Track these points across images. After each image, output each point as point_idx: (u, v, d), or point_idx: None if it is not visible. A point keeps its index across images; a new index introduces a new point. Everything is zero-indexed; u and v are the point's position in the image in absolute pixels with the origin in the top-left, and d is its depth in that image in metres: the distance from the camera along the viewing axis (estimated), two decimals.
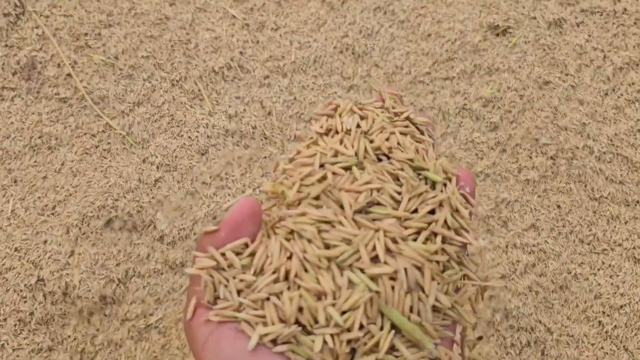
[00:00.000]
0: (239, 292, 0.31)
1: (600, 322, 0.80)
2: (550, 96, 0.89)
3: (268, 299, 0.30)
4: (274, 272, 0.31)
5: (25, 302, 0.79)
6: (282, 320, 0.30)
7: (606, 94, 0.89)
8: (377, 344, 0.30)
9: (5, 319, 0.78)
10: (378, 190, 0.33)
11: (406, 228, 0.32)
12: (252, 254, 0.32)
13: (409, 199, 0.33)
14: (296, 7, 0.94)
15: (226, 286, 0.31)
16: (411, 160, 0.35)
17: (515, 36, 0.92)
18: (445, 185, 0.35)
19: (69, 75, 0.87)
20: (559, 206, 0.85)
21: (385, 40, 0.92)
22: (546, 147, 0.86)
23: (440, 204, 0.33)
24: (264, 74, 0.90)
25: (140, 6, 0.91)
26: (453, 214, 0.33)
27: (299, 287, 0.30)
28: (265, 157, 0.86)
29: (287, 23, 0.93)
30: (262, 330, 0.30)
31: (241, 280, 0.31)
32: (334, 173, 0.34)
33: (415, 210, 0.33)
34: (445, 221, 0.33)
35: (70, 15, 0.89)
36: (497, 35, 0.93)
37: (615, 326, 0.79)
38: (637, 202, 0.85)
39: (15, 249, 0.81)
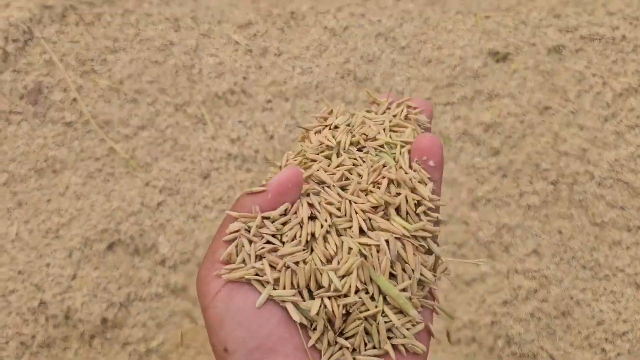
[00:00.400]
0: (260, 256, 0.36)
1: (603, 348, 0.82)
2: (551, 122, 0.92)
3: (286, 265, 0.35)
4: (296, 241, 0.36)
5: (28, 325, 0.82)
6: (293, 286, 0.35)
7: (606, 119, 0.93)
8: (368, 310, 0.35)
9: (7, 342, 0.81)
10: (350, 171, 0.39)
11: (369, 201, 0.37)
12: (284, 223, 0.37)
13: (368, 173, 0.38)
14: (299, 33, 0.99)
15: (249, 249, 0.35)
16: (381, 145, 0.40)
17: (515, 62, 0.96)
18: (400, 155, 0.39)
19: (74, 99, 0.91)
20: (560, 231, 0.87)
21: (386, 65, 0.96)
22: (547, 173, 0.89)
23: (398, 184, 0.37)
24: (266, 98, 0.94)
25: (145, 32, 0.96)
26: (412, 194, 0.37)
27: (312, 250, 0.35)
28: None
29: (289, 49, 0.97)
30: (273, 292, 0.34)
31: (268, 243, 0.36)
32: (313, 160, 0.40)
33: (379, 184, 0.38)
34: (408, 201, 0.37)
35: (77, 41, 0.94)
36: (497, 61, 0.96)
37: (618, 353, 0.81)
38: (639, 227, 0.87)
39: (19, 272, 0.84)
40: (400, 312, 0.35)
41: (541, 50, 0.97)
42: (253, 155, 0.90)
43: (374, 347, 0.35)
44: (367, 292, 0.35)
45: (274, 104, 0.93)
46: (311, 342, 0.34)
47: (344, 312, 0.34)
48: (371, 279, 0.35)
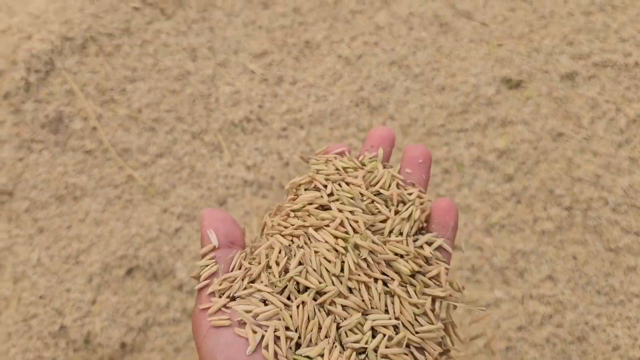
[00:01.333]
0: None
1: None
2: (564, 148, 1.00)
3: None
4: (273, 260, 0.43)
5: (48, 349, 0.89)
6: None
7: (620, 145, 1.00)
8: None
9: None
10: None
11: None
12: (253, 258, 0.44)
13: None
14: (313, 62, 1.08)
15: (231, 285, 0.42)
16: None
17: (528, 89, 1.04)
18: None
19: (94, 128, 1.00)
20: (575, 257, 0.94)
21: (400, 93, 1.04)
22: (561, 198, 0.97)
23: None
24: (282, 126, 1.02)
25: (163, 62, 1.05)
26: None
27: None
28: None
29: (304, 77, 1.06)
30: (247, 309, 0.40)
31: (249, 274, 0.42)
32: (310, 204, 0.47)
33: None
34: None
35: (96, 72, 1.03)
36: (511, 88, 1.04)
37: None
38: None
39: (40, 297, 0.92)
40: None
41: (554, 77, 1.05)
42: (269, 182, 0.98)
43: None
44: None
45: (289, 132, 1.02)
46: None
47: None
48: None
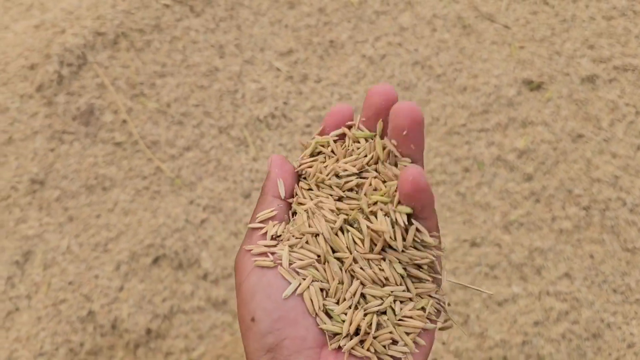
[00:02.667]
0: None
1: None
2: (584, 149, 1.05)
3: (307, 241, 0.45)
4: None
5: (77, 333, 0.95)
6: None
7: (639, 148, 1.05)
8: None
9: (57, 349, 0.94)
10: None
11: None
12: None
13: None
14: (337, 61, 1.13)
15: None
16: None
17: (549, 91, 1.09)
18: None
19: (124, 121, 1.07)
20: (592, 256, 0.99)
21: (422, 92, 1.10)
22: (579, 198, 1.01)
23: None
24: (305, 122, 1.08)
25: (192, 58, 1.11)
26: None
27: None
28: None
29: (328, 76, 1.12)
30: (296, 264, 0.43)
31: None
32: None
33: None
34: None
35: (127, 66, 1.10)
36: (532, 90, 1.10)
37: None
38: None
39: (69, 283, 0.98)
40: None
41: (575, 80, 1.10)
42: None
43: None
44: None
45: (312, 128, 1.07)
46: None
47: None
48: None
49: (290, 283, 0.42)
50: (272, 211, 0.45)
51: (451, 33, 1.14)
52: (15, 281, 0.98)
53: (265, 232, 0.45)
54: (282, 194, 0.45)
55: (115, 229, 1.01)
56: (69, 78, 1.08)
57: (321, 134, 0.48)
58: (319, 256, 0.44)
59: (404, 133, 0.41)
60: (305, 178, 0.48)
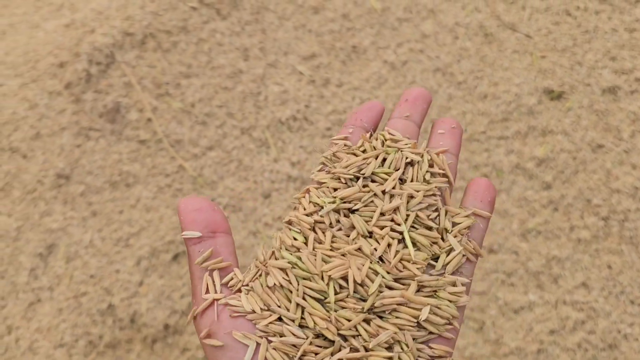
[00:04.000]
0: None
1: None
2: (603, 159, 1.03)
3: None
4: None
5: (96, 325, 0.95)
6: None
7: None
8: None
9: (77, 340, 0.94)
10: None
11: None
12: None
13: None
14: (359, 66, 1.13)
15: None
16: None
17: (569, 101, 1.08)
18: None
19: (149, 119, 1.07)
20: (610, 266, 0.97)
21: (443, 99, 1.09)
22: (598, 208, 1.00)
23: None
24: (326, 125, 1.08)
25: (217, 60, 1.12)
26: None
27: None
28: None
29: (350, 80, 1.12)
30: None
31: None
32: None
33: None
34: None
35: (154, 66, 1.11)
36: (552, 99, 1.09)
37: None
38: None
39: (91, 276, 0.98)
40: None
41: (596, 91, 1.08)
42: (311, 178, 1.04)
43: None
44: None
45: (333, 132, 1.07)
46: None
47: None
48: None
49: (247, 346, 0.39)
50: (204, 253, 0.42)
51: (473, 41, 1.13)
52: (39, 273, 0.99)
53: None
54: (196, 234, 0.43)
55: (137, 225, 1.01)
56: (97, 76, 1.09)
57: (346, 125, 0.49)
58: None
59: (453, 126, 0.49)
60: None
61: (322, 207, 0.44)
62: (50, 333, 0.95)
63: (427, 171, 0.45)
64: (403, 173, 0.45)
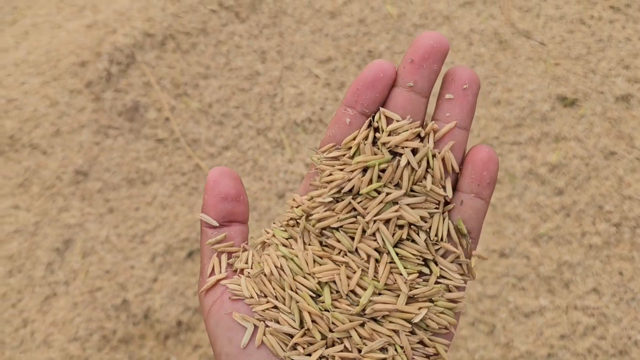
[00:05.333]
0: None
1: None
2: (616, 166, 1.02)
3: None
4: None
5: (110, 320, 0.95)
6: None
7: None
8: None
9: (91, 334, 0.94)
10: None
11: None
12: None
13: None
14: None
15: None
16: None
17: (583, 108, 1.07)
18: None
19: (167, 119, 1.08)
20: (621, 273, 0.96)
21: None
22: (610, 215, 0.99)
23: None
24: None
25: (235, 62, 1.12)
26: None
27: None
28: None
29: None
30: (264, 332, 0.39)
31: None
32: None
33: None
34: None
35: (173, 67, 1.11)
36: (565, 106, 1.08)
37: None
38: None
39: (106, 271, 0.98)
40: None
41: (609, 98, 1.08)
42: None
43: None
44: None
45: None
46: None
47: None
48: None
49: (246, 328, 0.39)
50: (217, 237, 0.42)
51: (487, 48, 1.13)
52: (55, 267, 0.99)
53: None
54: (214, 223, 0.42)
55: (152, 222, 1.01)
56: (117, 76, 1.10)
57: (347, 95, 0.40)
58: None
59: (465, 87, 0.39)
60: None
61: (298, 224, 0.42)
62: (65, 327, 0.95)
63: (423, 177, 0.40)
64: (395, 182, 0.40)
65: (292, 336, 0.39)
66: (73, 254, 0.99)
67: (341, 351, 0.38)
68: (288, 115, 1.08)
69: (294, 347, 0.39)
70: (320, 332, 0.39)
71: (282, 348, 0.39)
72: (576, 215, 0.99)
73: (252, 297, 0.40)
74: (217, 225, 0.42)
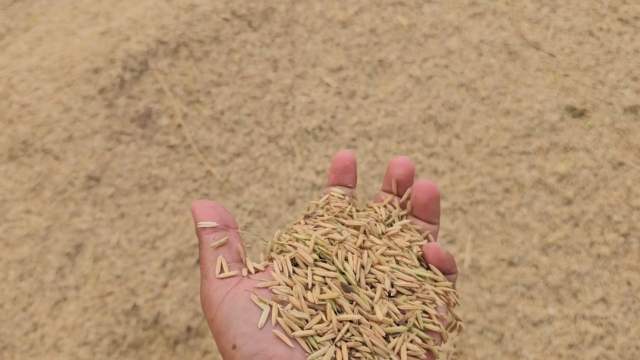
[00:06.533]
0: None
1: None
2: (624, 177, 1.02)
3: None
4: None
5: (120, 325, 0.94)
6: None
7: None
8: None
9: (101, 339, 0.94)
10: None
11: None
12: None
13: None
14: (385, 79, 1.13)
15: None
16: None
17: (591, 118, 1.07)
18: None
19: (179, 125, 1.07)
20: (629, 283, 0.95)
21: (466, 113, 1.08)
22: (618, 225, 0.98)
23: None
24: (351, 136, 1.07)
25: (247, 70, 1.12)
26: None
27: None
28: None
29: (375, 93, 1.11)
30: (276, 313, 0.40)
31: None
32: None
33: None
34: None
35: (186, 74, 1.11)
36: (574, 116, 1.07)
37: None
38: None
39: (117, 276, 0.97)
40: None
41: (617, 109, 1.07)
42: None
43: None
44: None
45: (358, 142, 1.06)
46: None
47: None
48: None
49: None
50: (221, 240, 0.43)
51: (497, 58, 1.13)
52: (66, 272, 0.98)
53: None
54: (213, 225, 0.44)
55: (163, 228, 1.00)
56: (130, 82, 1.09)
57: (330, 183, 0.51)
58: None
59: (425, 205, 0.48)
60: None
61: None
62: (75, 331, 0.94)
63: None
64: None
65: (304, 321, 0.40)
66: (84, 258, 0.99)
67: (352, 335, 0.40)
68: (299, 123, 1.08)
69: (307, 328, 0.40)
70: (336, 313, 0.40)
71: (294, 329, 0.40)
72: (585, 225, 0.99)
73: (279, 284, 0.41)
74: (217, 225, 0.43)
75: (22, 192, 1.04)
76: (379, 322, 0.40)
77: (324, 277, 0.42)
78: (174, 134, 1.06)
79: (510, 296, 0.95)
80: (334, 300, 0.41)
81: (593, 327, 0.92)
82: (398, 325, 0.41)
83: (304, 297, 0.41)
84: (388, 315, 0.41)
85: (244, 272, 0.42)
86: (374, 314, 0.41)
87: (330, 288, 0.41)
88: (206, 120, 1.08)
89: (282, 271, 0.43)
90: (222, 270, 0.42)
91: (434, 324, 0.42)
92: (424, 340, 0.41)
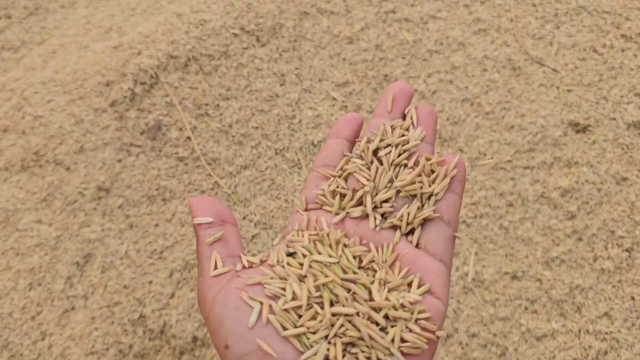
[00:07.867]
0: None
1: None
2: (628, 192, 1.00)
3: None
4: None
5: (127, 335, 0.93)
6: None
7: None
8: None
9: (107, 349, 0.93)
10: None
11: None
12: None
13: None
14: None
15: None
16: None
17: (595, 134, 1.06)
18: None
19: (188, 138, 1.07)
20: (633, 298, 0.93)
21: (470, 128, 1.07)
22: (622, 240, 0.97)
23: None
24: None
25: (255, 84, 1.12)
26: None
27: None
28: None
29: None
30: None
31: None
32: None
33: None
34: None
35: (195, 88, 1.10)
36: (578, 132, 1.06)
37: None
38: None
39: (124, 286, 0.97)
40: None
41: (621, 125, 1.06)
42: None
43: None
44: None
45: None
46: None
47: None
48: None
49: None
50: (216, 235, 0.42)
51: (501, 74, 1.12)
52: (74, 281, 0.98)
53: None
54: (209, 220, 0.43)
55: (171, 238, 1.00)
56: (140, 95, 1.09)
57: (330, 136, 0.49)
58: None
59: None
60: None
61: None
62: (82, 341, 0.93)
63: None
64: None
65: (297, 316, 0.39)
66: (92, 268, 0.98)
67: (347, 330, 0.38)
68: (305, 136, 1.07)
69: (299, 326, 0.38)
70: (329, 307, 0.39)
71: (284, 328, 0.38)
72: (588, 239, 0.97)
73: (272, 278, 0.40)
74: (212, 220, 0.42)
75: (33, 202, 1.04)
76: (379, 308, 0.39)
77: (320, 262, 0.40)
78: (182, 146, 1.06)
79: (514, 310, 0.93)
80: (329, 290, 0.39)
81: (597, 342, 0.90)
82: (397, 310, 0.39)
83: (298, 289, 0.39)
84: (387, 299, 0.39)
85: (239, 267, 0.41)
86: (373, 299, 0.39)
87: (327, 276, 0.39)
88: (214, 133, 1.07)
89: (278, 261, 0.41)
90: (215, 267, 0.41)
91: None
92: (423, 329, 0.39)
